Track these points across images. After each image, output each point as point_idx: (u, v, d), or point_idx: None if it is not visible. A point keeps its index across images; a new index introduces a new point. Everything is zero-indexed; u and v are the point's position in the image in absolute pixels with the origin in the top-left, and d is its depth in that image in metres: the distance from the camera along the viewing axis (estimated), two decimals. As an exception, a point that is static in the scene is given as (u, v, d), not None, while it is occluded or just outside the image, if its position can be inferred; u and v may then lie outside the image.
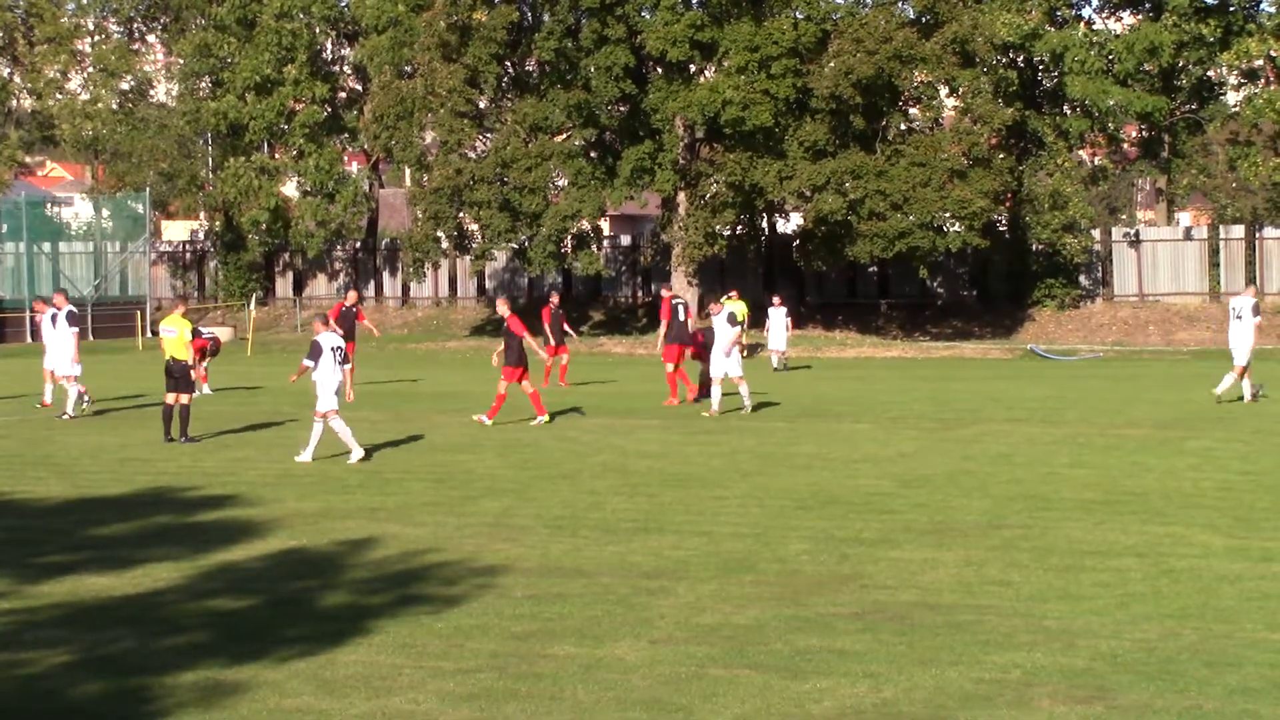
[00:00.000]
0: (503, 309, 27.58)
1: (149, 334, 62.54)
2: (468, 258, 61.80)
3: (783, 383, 37.42)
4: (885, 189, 51.79)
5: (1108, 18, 60.22)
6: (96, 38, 73.44)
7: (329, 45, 68.85)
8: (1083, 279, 58.78)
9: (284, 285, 71.23)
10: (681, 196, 56.03)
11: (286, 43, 63.78)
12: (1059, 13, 57.40)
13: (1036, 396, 31.97)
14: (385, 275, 69.42)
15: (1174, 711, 9.19)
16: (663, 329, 31.89)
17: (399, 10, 60.19)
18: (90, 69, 72.12)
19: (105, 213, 69.64)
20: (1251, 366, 30.12)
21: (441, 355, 54.08)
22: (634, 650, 10.71)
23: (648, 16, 55.02)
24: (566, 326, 38.57)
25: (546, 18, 56.99)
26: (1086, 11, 62.04)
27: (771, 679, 9.95)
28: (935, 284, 60.66)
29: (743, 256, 61.54)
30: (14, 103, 74.26)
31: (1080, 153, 59.62)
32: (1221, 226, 59.25)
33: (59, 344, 29.25)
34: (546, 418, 26.48)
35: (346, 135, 67.99)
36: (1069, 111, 57.51)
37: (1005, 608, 11.87)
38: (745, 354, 48.28)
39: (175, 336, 25.09)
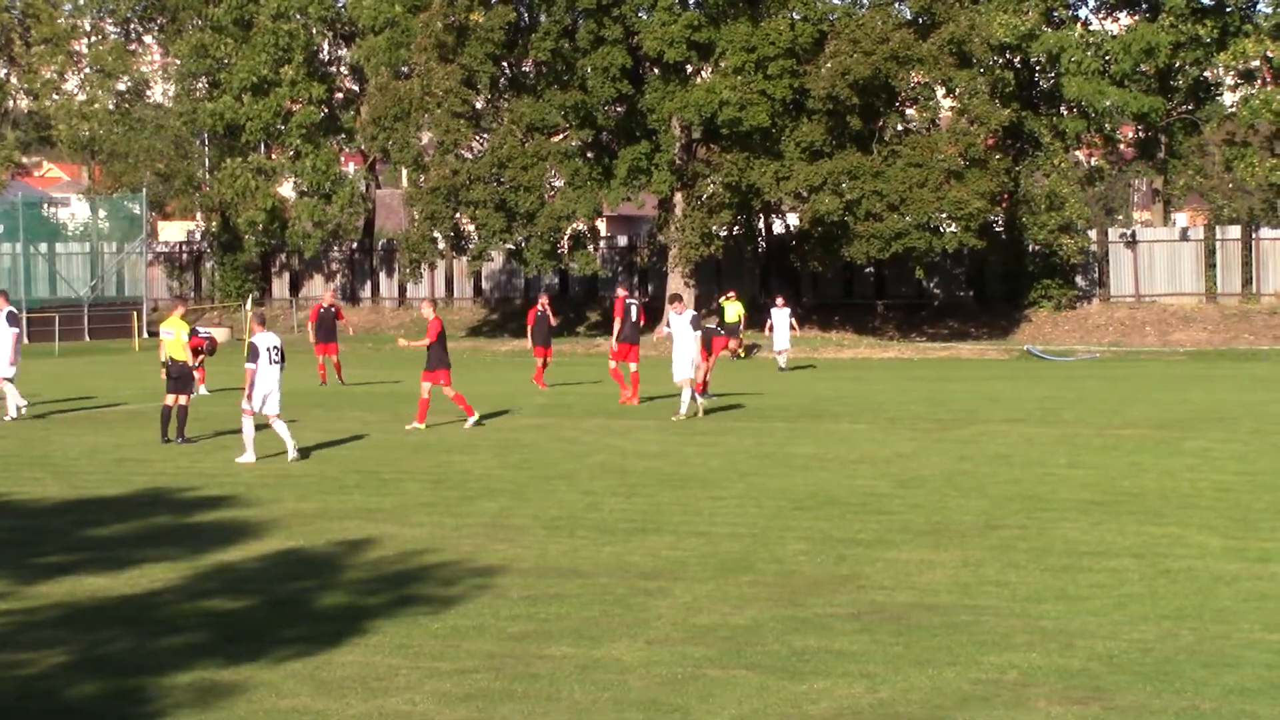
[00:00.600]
0: (427, 312, 27.09)
1: (145, 334, 62.55)
2: (464, 259, 61.80)
3: (780, 383, 37.42)
4: (882, 189, 51.80)
5: (1104, 18, 60.25)
6: (93, 38, 73.41)
7: (326, 46, 68.88)
8: (1079, 280, 58.80)
9: (280, 286, 71.22)
10: (678, 197, 56.05)
11: (283, 43, 63.79)
12: (1056, 13, 57.41)
13: (1033, 397, 31.98)
14: (382, 276, 69.42)
15: (1171, 712, 9.19)
16: (616, 328, 32.08)
17: (396, 11, 60.22)
18: (87, 69, 72.08)
19: (102, 213, 69.63)
20: None
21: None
22: (631, 651, 10.71)
23: (644, 17, 55.04)
24: (553, 325, 38.80)
25: (543, 18, 57.01)
26: (1083, 12, 62.19)
27: (768, 679, 9.96)
28: (932, 285, 60.69)
29: (739, 257, 61.57)
30: (10, 103, 74.25)
31: (1077, 153, 59.63)
32: (1218, 227, 59.31)
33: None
34: (476, 417, 26.14)
35: (343, 136, 68.02)
36: (1065, 112, 57.52)
37: (1002, 608, 11.87)
38: (743, 354, 48.63)
39: (174, 338, 25.18)
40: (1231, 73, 57.11)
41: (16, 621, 11.89)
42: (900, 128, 55.08)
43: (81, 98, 71.33)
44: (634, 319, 31.84)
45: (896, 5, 55.53)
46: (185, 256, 74.35)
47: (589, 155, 57.87)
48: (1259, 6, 56.74)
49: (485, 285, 67.45)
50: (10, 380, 28.64)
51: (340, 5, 66.14)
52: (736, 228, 59.59)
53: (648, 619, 11.64)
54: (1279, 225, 57.23)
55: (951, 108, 56.28)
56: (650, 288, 64.00)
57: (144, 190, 67.81)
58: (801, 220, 55.76)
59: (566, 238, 57.95)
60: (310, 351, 40.43)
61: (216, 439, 24.81)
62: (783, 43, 52.49)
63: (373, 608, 12.15)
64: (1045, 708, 9.28)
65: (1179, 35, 54.73)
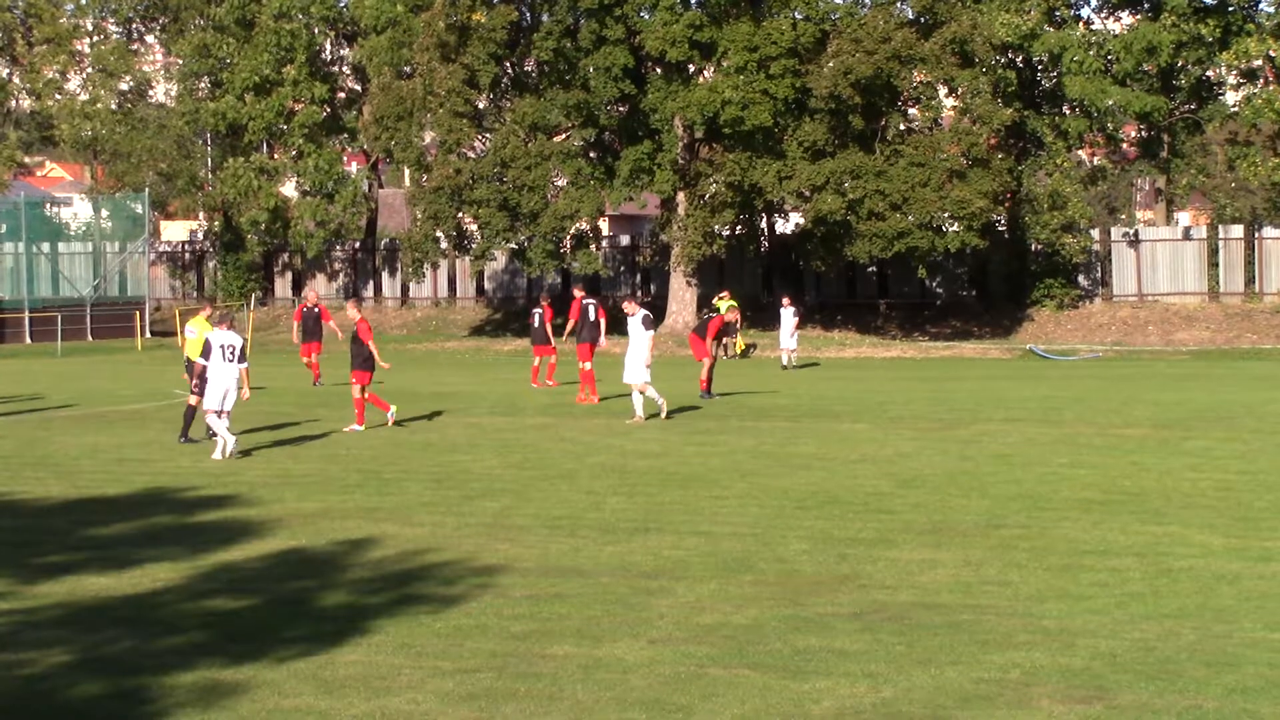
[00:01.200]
0: (353, 312, 26.86)
1: (148, 334, 62.60)
2: (467, 258, 61.81)
3: (782, 382, 37.42)
4: (884, 189, 51.79)
5: (1106, 18, 60.21)
6: (95, 38, 73.47)
7: (328, 46, 68.90)
8: (1082, 279, 58.80)
9: (283, 285, 71.26)
10: (680, 196, 56.05)
11: (285, 43, 63.81)
12: (1058, 13, 57.38)
13: (1035, 396, 31.97)
14: (384, 276, 69.43)
15: (1173, 711, 9.18)
16: (569, 327, 32.16)
17: (398, 11, 60.25)
18: (89, 69, 72.15)
19: (104, 213, 69.66)
20: None
21: (440, 356, 54.07)
22: (633, 650, 10.71)
23: (646, 17, 55.05)
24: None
25: (545, 18, 57.04)
26: (1085, 11, 62.15)
27: (771, 679, 9.95)
28: (934, 284, 60.68)
29: (742, 256, 61.59)
30: (13, 103, 74.33)
31: (1079, 153, 59.64)
32: (1220, 226, 59.26)
33: None
34: (362, 428, 25.65)
35: (346, 135, 68.05)
36: (1068, 111, 57.49)
37: (1004, 608, 11.87)
38: (739, 354, 48.65)
39: (195, 337, 25.29)
40: (1234, 72, 57.08)
41: (18, 621, 11.89)
42: (902, 127, 55.06)
43: (84, 97, 71.39)
44: (591, 319, 32.07)
45: (898, 5, 55.51)
46: (188, 256, 74.40)
47: (591, 155, 57.89)
48: (1261, 5, 56.77)
49: (488, 285, 67.46)
50: None
51: (342, 5, 66.16)
52: (739, 227, 59.62)
53: (650, 618, 11.64)
54: (1282, 224, 57.26)
55: (954, 107, 56.29)
56: (653, 287, 64.03)
57: (146, 190, 67.84)
58: (804, 220, 55.75)
59: (569, 237, 57.95)
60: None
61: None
62: (785, 42, 52.50)
63: (375, 607, 12.15)
64: (1048, 707, 9.28)
65: (1181, 34, 54.71)
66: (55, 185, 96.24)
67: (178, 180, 70.41)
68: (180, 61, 67.98)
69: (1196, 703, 9.33)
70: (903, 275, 59.44)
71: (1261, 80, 56.32)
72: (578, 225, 57.74)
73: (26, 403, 32.55)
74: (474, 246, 58.88)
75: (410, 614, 11.88)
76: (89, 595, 12.76)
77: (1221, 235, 58.04)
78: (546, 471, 20.23)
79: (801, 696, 9.56)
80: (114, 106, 71.34)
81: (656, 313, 60.18)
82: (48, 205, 71.53)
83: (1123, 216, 70.43)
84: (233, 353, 22.42)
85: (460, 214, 57.75)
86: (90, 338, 63.20)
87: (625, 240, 67.03)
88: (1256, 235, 57.30)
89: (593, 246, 60.06)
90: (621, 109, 57.12)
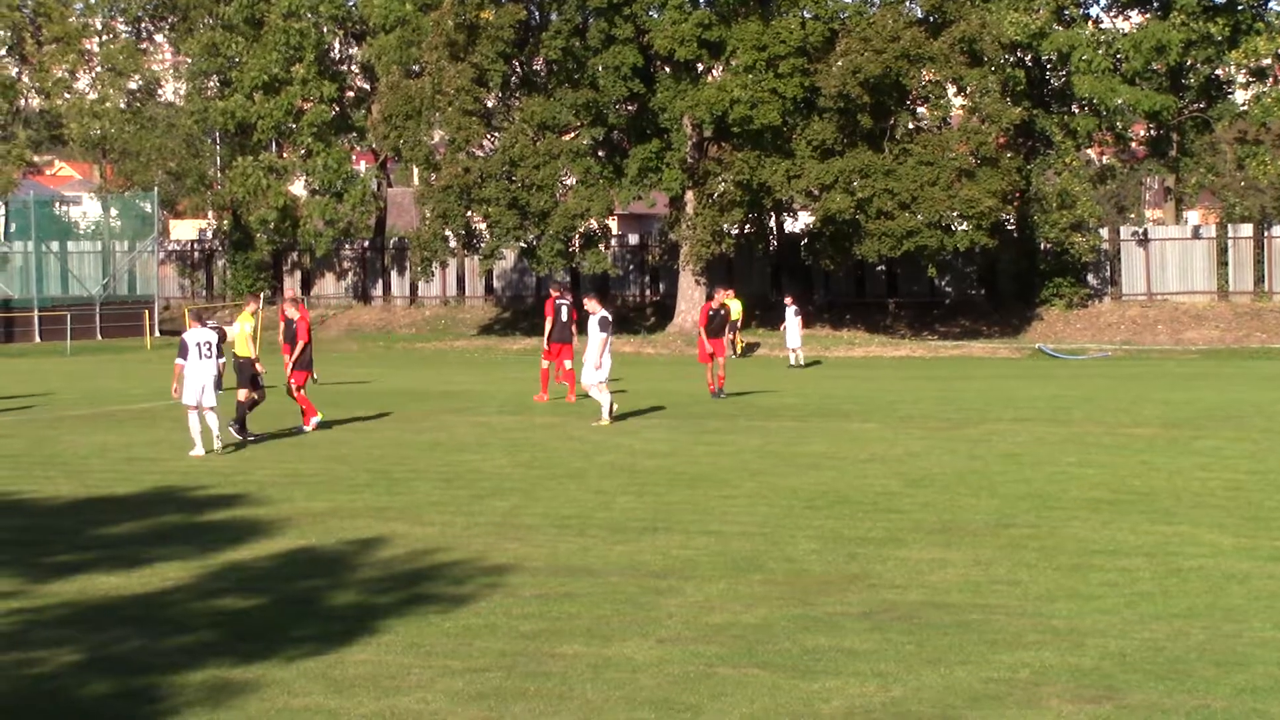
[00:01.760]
0: (292, 311, 26.70)
1: (157, 333, 62.66)
2: (476, 257, 61.81)
3: (791, 381, 37.42)
4: (893, 188, 51.76)
5: (1115, 16, 60.14)
6: (104, 37, 73.52)
7: (337, 45, 68.95)
8: (1091, 278, 58.72)
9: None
10: (689, 195, 56.05)
11: (294, 42, 63.86)
12: (1066, 12, 57.27)
13: (1045, 396, 31.95)
14: (393, 274, 69.48)
15: (1182, 711, 9.17)
16: (548, 327, 32.06)
17: (406, 9, 60.28)
18: (98, 68, 72.19)
19: (113, 212, 69.77)
20: None
21: (449, 355, 54.12)
22: (642, 649, 10.70)
23: (655, 16, 55.04)
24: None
25: (554, 17, 57.04)
26: (1094, 10, 62.12)
27: (780, 678, 9.95)
28: (943, 283, 60.63)
29: (750, 255, 61.57)
30: (22, 102, 74.37)
31: (1088, 151, 59.55)
32: (1230, 225, 59.19)
33: None
34: (310, 427, 25.64)
35: (354, 134, 68.06)
36: (1077, 110, 57.42)
37: (1013, 607, 11.85)
38: (739, 352, 48.59)
39: (239, 332, 25.35)
40: (1243, 71, 56.98)
41: (27, 620, 11.90)
42: (911, 126, 55.00)
43: (93, 96, 71.45)
44: (564, 319, 31.91)
45: (907, 4, 55.47)
46: (197, 255, 74.48)
47: (600, 154, 57.89)
48: (1270, 4, 56.88)
49: (497, 284, 67.47)
50: None
51: (351, 4, 66.21)
52: (748, 226, 59.63)
53: (659, 618, 11.63)
54: (1291, 223, 57.18)
55: (962, 106, 56.22)
56: (662, 286, 64.05)
57: (155, 189, 67.91)
58: (813, 219, 55.73)
59: (578, 236, 57.96)
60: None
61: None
62: (794, 41, 52.49)
63: (384, 606, 12.15)
64: (1057, 706, 9.27)
65: (1190, 33, 54.61)
66: (64, 184, 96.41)
67: (187, 179, 70.48)
68: (189, 60, 68.06)
69: (1206, 702, 9.32)
70: (911, 274, 59.39)
71: (1271, 79, 56.21)
72: (587, 224, 57.73)
73: (22, 400, 32.61)
74: (483, 245, 58.87)
75: (419, 613, 11.88)
76: (98, 594, 12.77)
77: (1231, 234, 57.96)
78: (555, 471, 20.23)
79: (811, 696, 9.55)
80: (123, 105, 71.42)
81: (665, 311, 60.30)
82: (57, 204, 71.67)
83: (1132, 215, 70.39)
84: (210, 349, 22.78)
85: (469, 213, 57.77)
86: (99, 336, 63.28)
87: (634, 239, 67.03)
88: (1266, 234, 57.21)
89: (602, 245, 60.05)
90: (630, 108, 57.13)
